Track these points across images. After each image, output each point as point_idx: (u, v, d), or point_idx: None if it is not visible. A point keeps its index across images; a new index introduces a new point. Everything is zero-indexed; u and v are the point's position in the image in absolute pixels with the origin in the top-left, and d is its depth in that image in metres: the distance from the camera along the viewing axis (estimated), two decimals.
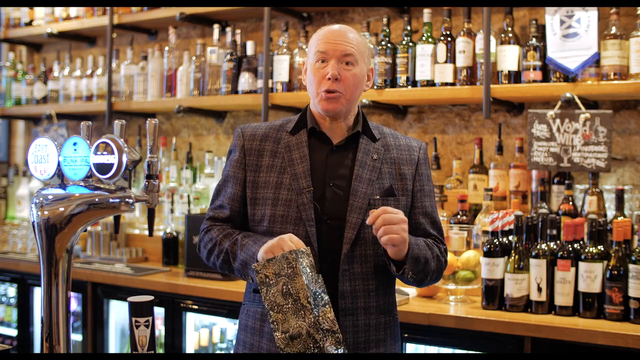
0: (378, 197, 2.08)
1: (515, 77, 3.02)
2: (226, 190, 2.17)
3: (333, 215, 2.07)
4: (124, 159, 1.56)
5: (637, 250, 2.52)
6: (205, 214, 2.24)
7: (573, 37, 2.88)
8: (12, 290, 4.25)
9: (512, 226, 2.73)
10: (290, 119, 2.20)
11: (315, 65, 2.08)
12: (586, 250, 2.59)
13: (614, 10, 2.85)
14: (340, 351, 1.90)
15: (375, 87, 3.27)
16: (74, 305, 3.80)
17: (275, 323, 1.89)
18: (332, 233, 2.06)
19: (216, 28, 3.85)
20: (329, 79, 2.04)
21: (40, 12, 4.65)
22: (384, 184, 2.11)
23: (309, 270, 1.92)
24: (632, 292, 2.49)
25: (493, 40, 3.04)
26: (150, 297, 1.61)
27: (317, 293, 1.91)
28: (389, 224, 1.92)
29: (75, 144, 1.62)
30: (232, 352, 3.40)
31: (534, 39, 2.99)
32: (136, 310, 1.58)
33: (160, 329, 3.44)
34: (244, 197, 2.14)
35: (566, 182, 2.95)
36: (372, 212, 1.95)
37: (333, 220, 2.07)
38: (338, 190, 2.09)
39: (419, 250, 2.02)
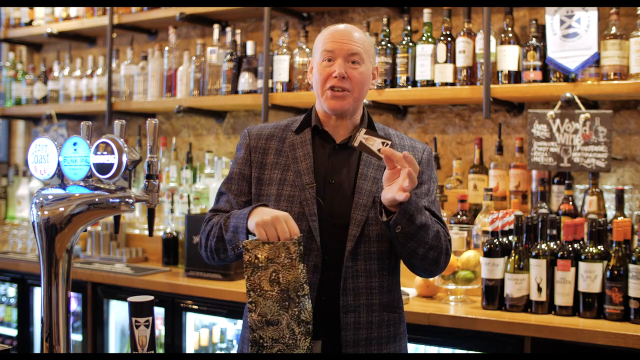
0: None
1: (515, 77, 3.02)
2: (232, 186, 2.18)
3: (335, 213, 2.08)
4: (124, 159, 1.56)
5: (637, 250, 2.52)
6: (209, 209, 2.24)
7: (573, 37, 2.88)
8: (12, 290, 4.25)
9: (512, 226, 2.73)
10: (296, 119, 2.23)
11: (322, 64, 2.10)
12: (586, 250, 2.59)
13: (614, 10, 2.85)
14: (309, 341, 1.89)
15: (375, 87, 3.26)
16: (74, 305, 3.79)
17: (253, 304, 1.87)
18: (334, 230, 2.07)
19: (216, 28, 3.85)
20: (336, 77, 2.06)
21: (40, 12, 4.65)
22: None
23: (301, 261, 1.91)
24: (632, 292, 2.49)
25: (493, 40, 3.04)
26: (150, 297, 1.61)
27: (300, 283, 1.89)
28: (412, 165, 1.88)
29: (75, 144, 1.62)
30: (234, 350, 3.43)
31: (534, 39, 2.99)
32: (136, 310, 1.58)
33: (160, 329, 3.44)
34: (250, 193, 2.16)
35: (566, 182, 2.95)
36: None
37: (334, 218, 2.07)
38: (339, 188, 2.10)
39: (416, 212, 1.93)
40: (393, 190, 1.88)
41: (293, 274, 1.88)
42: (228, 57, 3.70)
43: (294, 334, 1.88)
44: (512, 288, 2.66)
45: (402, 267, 2.19)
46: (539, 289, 2.63)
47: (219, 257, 2.13)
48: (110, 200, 1.58)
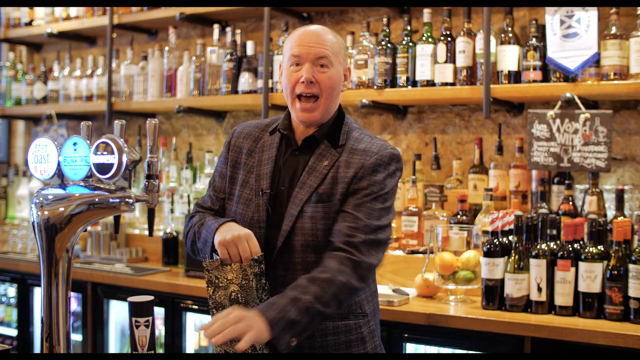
0: (311, 204, 2.01)
1: (515, 77, 3.02)
2: (214, 183, 2.22)
3: (279, 220, 2.04)
4: (124, 159, 1.56)
5: (637, 250, 2.52)
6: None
7: (573, 37, 2.87)
8: (12, 290, 4.25)
9: (512, 226, 2.73)
10: (278, 118, 2.20)
11: (290, 69, 2.06)
12: (586, 250, 2.59)
13: (614, 10, 2.85)
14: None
15: (375, 87, 3.27)
16: (74, 305, 3.79)
17: None
18: (275, 238, 2.04)
19: (216, 28, 3.85)
20: (303, 82, 2.02)
21: (40, 12, 4.65)
22: (325, 190, 2.02)
23: (260, 278, 1.95)
24: (632, 292, 2.49)
25: (493, 40, 3.04)
26: (150, 297, 1.61)
27: (263, 300, 1.94)
28: (226, 327, 1.75)
29: (75, 144, 1.62)
30: None
31: (534, 39, 2.99)
32: (136, 310, 1.59)
33: (160, 329, 3.44)
34: (225, 191, 2.19)
35: (566, 182, 2.95)
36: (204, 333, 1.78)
37: (279, 226, 2.04)
38: (285, 195, 2.07)
39: (286, 312, 1.80)
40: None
41: (251, 293, 1.93)
42: (228, 57, 3.70)
43: (254, 349, 1.91)
44: (512, 288, 2.66)
45: (382, 271, 2.12)
46: (539, 289, 2.63)
47: (197, 256, 2.18)
48: (110, 200, 1.58)
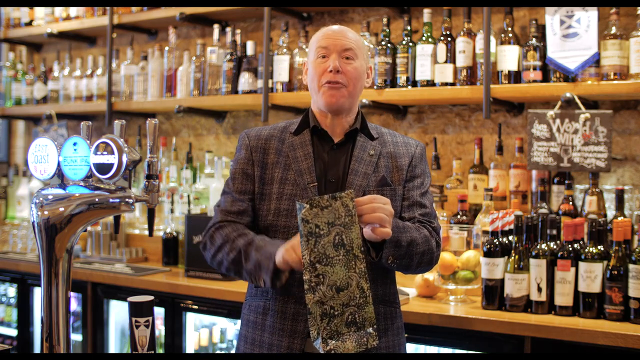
0: (373, 188, 2.12)
1: (515, 77, 3.02)
2: (236, 185, 2.19)
3: None
4: (124, 159, 1.56)
5: (637, 250, 2.52)
6: (214, 211, 2.22)
7: (573, 37, 2.88)
8: (12, 290, 4.25)
9: (512, 226, 2.73)
10: (293, 122, 2.26)
11: (317, 60, 2.15)
12: (586, 250, 2.59)
13: (614, 10, 2.85)
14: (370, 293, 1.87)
15: (375, 87, 3.27)
16: (74, 305, 3.79)
17: (321, 276, 1.81)
18: None
19: (216, 28, 3.85)
20: (331, 71, 2.11)
21: (40, 12, 4.65)
22: (385, 176, 2.17)
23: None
24: (632, 292, 2.49)
25: (493, 40, 3.04)
26: (150, 297, 1.61)
27: (361, 238, 1.87)
28: (378, 212, 1.91)
29: (75, 144, 1.62)
30: (233, 350, 3.43)
31: (534, 39, 2.99)
32: (136, 310, 1.58)
33: (160, 329, 3.44)
34: (253, 192, 2.17)
35: (566, 182, 2.95)
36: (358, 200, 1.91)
37: None
38: (337, 185, 2.14)
39: (400, 233, 2.00)
40: (373, 233, 1.93)
41: (355, 230, 1.85)
42: (228, 57, 3.70)
43: (363, 291, 1.85)
44: (512, 288, 2.66)
45: None
46: (539, 289, 2.63)
47: (227, 272, 2.15)
48: (110, 200, 1.58)
